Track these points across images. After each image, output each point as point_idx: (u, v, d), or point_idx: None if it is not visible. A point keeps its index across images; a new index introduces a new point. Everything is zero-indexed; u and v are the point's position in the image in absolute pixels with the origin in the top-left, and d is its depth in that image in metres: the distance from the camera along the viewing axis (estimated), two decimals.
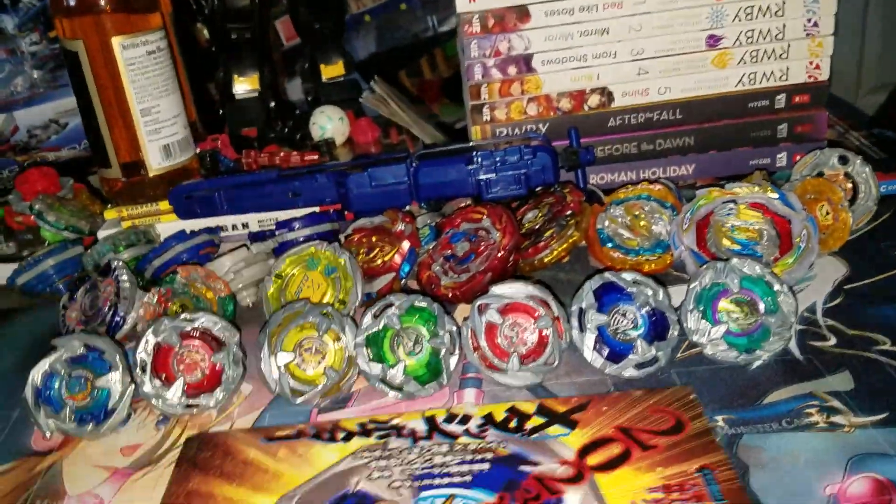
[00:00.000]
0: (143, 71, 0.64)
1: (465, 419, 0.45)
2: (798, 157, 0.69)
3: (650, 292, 0.48)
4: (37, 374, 0.47)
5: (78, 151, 0.96)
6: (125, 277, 0.55)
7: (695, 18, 0.64)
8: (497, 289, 0.49)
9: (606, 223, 0.58)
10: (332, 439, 0.44)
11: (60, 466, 0.46)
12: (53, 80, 1.00)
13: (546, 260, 0.57)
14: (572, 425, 0.43)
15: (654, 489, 0.38)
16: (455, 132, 0.77)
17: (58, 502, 0.43)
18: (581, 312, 0.48)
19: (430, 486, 0.40)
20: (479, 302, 0.49)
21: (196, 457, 0.44)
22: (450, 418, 0.45)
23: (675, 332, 0.48)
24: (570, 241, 0.57)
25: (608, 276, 0.48)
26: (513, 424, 0.44)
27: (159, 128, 0.66)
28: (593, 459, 0.40)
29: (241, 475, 0.42)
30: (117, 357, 0.47)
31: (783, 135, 0.68)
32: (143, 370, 0.47)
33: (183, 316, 0.49)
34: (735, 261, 0.48)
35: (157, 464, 0.45)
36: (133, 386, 0.47)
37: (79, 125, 0.95)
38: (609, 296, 0.48)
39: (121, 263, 0.56)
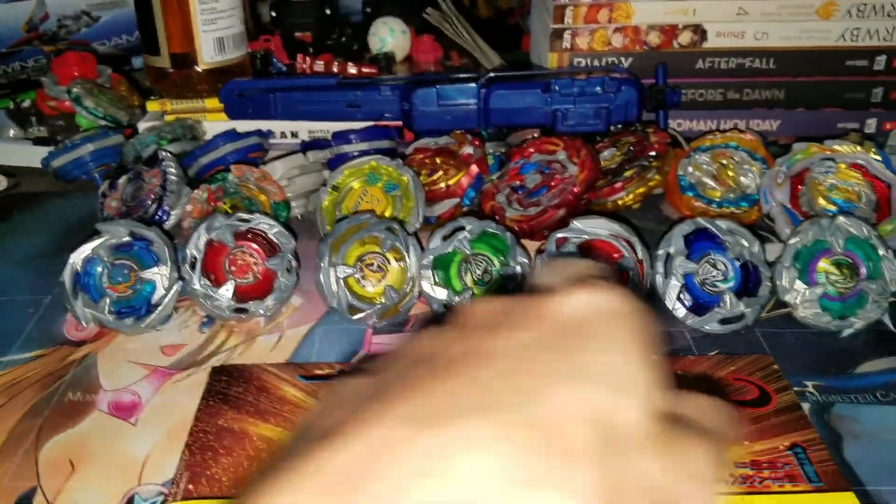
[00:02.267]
0: None
1: None
2: (888, 126, 0.65)
3: (745, 243, 0.44)
4: (77, 259, 0.43)
5: (107, 48, 0.90)
6: (173, 170, 0.51)
7: None
8: (579, 223, 0.45)
9: (690, 170, 0.54)
10: None
11: (95, 359, 0.43)
12: None
13: (620, 202, 0.54)
14: None
15: (742, 465, 0.35)
16: (521, 63, 0.73)
17: (92, 395, 0.40)
18: (668, 258, 0.44)
19: None
20: (558, 235, 0.45)
21: (227, 391, 0.39)
22: None
23: (767, 290, 0.44)
24: (650, 184, 0.53)
25: (701, 221, 0.44)
26: None
27: (215, 18, 0.62)
28: None
29: (277, 413, 0.37)
30: (166, 250, 0.44)
31: (877, 99, 0.64)
32: (193, 267, 0.44)
33: (239, 215, 0.45)
34: (842, 219, 0.45)
35: (200, 366, 0.42)
36: (180, 282, 0.44)
37: (112, 20, 0.91)
38: (700, 243, 0.44)
39: (169, 155, 0.52)
